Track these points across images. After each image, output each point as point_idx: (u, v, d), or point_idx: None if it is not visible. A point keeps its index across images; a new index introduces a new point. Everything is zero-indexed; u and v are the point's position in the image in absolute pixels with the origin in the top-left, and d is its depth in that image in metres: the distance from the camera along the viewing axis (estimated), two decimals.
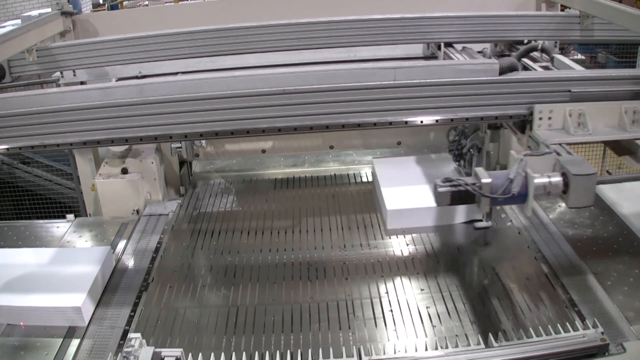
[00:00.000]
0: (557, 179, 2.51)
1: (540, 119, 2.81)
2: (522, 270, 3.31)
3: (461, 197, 2.55)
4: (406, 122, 2.88)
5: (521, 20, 3.97)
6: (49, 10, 4.46)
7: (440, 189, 2.54)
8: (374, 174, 4.52)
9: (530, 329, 2.80)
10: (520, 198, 2.52)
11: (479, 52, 3.92)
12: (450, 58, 3.60)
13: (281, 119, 2.74)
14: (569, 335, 2.66)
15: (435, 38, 3.96)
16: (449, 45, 3.86)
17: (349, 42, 3.99)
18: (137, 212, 4.32)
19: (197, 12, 4.72)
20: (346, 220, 4.04)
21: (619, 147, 2.95)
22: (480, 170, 2.60)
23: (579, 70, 3.25)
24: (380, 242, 3.77)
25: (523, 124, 2.96)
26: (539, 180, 2.50)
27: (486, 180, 2.51)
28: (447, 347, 2.71)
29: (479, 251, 3.58)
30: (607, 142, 3.09)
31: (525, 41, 3.93)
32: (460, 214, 3.87)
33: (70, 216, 4.27)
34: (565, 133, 2.79)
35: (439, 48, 3.92)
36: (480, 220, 3.90)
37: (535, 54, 3.83)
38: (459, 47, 3.81)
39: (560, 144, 2.69)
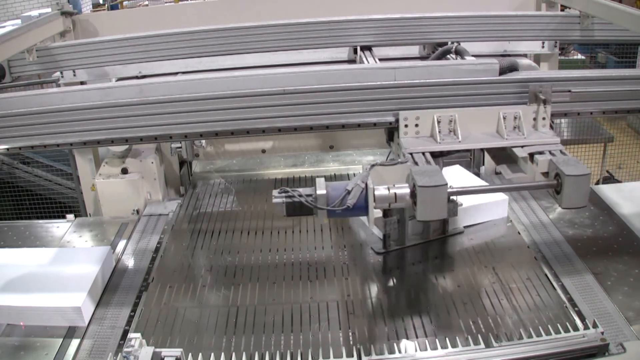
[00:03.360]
0: (402, 190, 2.44)
1: (406, 126, 2.72)
2: (522, 270, 3.31)
3: (295, 208, 2.51)
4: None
5: (521, 20, 3.98)
6: (49, 10, 4.46)
7: (275, 200, 2.51)
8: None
9: (530, 329, 2.80)
10: (360, 210, 2.46)
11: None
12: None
13: (281, 119, 2.74)
14: (569, 335, 2.66)
15: (435, 38, 3.97)
16: (441, 45, 3.85)
17: (348, 42, 4.00)
18: (137, 212, 4.31)
19: (197, 12, 4.72)
20: (346, 220, 4.03)
21: (499, 155, 2.79)
22: (319, 180, 2.55)
23: (578, 70, 3.25)
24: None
25: (391, 131, 2.85)
26: (381, 192, 2.45)
27: (322, 191, 2.47)
28: (447, 347, 2.72)
29: (479, 251, 3.57)
30: (488, 149, 2.95)
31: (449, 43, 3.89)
32: None
33: (70, 216, 4.27)
34: (432, 141, 2.69)
35: (434, 50, 3.92)
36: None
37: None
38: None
39: (422, 153, 2.59)
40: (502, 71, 2.81)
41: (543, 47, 4.35)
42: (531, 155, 2.61)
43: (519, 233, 3.70)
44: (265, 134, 2.91)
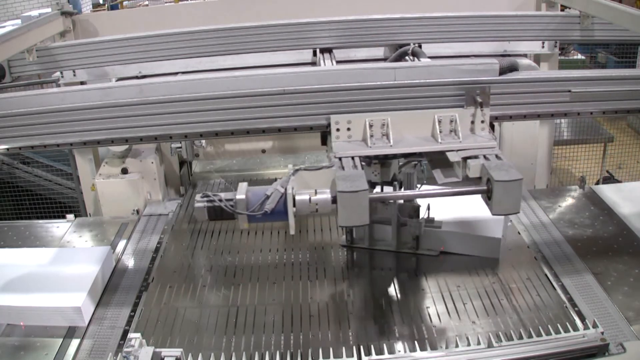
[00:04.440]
0: (324, 196, 2.42)
1: (338, 130, 2.66)
2: (522, 270, 3.31)
3: (216, 213, 2.50)
4: None
5: (521, 20, 3.98)
6: (49, 10, 4.46)
7: (197, 204, 2.50)
8: None
9: (530, 329, 2.81)
10: (279, 215, 2.44)
11: None
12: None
13: (281, 119, 2.74)
14: (569, 335, 2.66)
15: (436, 38, 3.97)
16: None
17: (349, 42, 3.99)
18: (137, 212, 4.32)
19: (197, 12, 4.72)
20: None
21: (437, 160, 2.70)
22: (241, 185, 2.53)
23: (578, 70, 3.25)
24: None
25: (324, 135, 2.80)
26: (301, 196, 2.43)
27: (241, 196, 2.45)
28: (447, 347, 2.72)
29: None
30: (425, 154, 2.84)
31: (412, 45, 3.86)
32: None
33: (70, 216, 4.27)
34: (363, 145, 2.64)
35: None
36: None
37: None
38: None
39: (352, 157, 2.54)
40: (502, 71, 2.80)
41: (543, 47, 4.35)
42: (466, 159, 2.53)
43: (519, 233, 3.70)
44: (265, 134, 2.90)
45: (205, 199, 2.51)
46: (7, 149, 2.86)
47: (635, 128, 9.42)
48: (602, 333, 2.64)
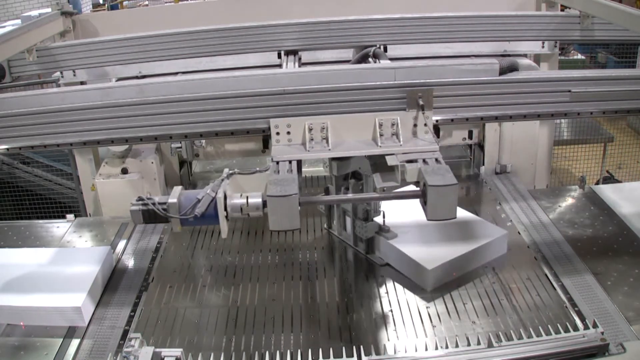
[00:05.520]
0: (255, 200, 2.43)
1: (278, 133, 2.66)
2: (522, 270, 3.31)
3: (150, 216, 2.51)
4: None
5: (521, 20, 3.98)
6: (49, 10, 4.46)
7: (132, 208, 2.52)
8: None
9: (530, 329, 2.81)
10: (210, 219, 2.45)
11: None
12: None
13: (281, 119, 2.74)
14: (569, 335, 2.66)
15: (438, 38, 3.96)
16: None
17: (349, 42, 3.99)
18: None
19: (197, 12, 4.72)
20: None
21: (379, 164, 2.67)
22: (175, 188, 2.55)
23: (578, 70, 3.25)
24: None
25: (266, 138, 2.78)
26: (232, 200, 2.44)
27: (173, 200, 2.46)
28: (447, 347, 2.72)
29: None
30: (369, 158, 2.85)
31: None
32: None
33: (70, 216, 4.27)
34: (302, 149, 2.63)
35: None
36: None
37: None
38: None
39: (289, 161, 2.54)
40: (502, 71, 2.80)
41: (543, 47, 4.35)
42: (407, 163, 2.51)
43: (519, 233, 3.70)
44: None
45: (140, 202, 2.54)
46: (7, 149, 2.87)
47: (635, 128, 9.42)
48: (602, 333, 2.63)
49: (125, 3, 11.99)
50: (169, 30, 3.87)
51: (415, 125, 2.65)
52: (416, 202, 2.47)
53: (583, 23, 3.91)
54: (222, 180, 2.53)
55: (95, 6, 13.07)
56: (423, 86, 2.66)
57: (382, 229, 3.45)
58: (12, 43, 3.65)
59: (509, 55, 4.23)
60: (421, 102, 2.61)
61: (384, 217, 3.44)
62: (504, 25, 3.94)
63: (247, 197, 2.45)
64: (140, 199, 2.54)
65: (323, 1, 4.52)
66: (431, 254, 3.28)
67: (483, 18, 3.91)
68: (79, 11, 6.23)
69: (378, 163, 2.68)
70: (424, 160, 2.47)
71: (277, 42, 3.90)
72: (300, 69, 3.66)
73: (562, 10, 4.29)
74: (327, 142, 2.61)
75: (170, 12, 5.01)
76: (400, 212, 3.53)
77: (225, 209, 2.46)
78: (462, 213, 3.61)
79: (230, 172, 2.59)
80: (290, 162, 2.56)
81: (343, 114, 2.66)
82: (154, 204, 2.49)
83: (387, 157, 2.57)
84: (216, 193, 2.45)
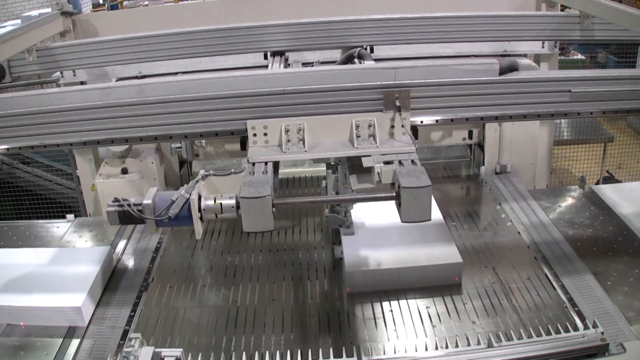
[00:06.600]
0: (228, 201, 2.44)
1: (255, 135, 2.65)
2: (522, 270, 3.32)
3: (126, 217, 2.53)
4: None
5: (521, 21, 3.97)
6: (49, 10, 4.46)
7: (108, 209, 2.55)
8: None
9: (530, 329, 2.81)
10: (184, 220, 2.46)
11: None
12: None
13: (281, 119, 2.74)
14: (568, 335, 2.66)
15: (438, 38, 3.96)
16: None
17: (349, 42, 3.99)
18: None
19: (197, 12, 4.72)
20: None
21: (356, 165, 2.66)
22: (151, 190, 2.55)
23: (578, 70, 3.25)
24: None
25: (244, 140, 2.77)
26: (205, 202, 2.45)
27: (147, 201, 2.48)
28: (447, 347, 2.72)
29: (479, 251, 3.57)
30: (347, 159, 2.84)
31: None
32: None
33: (70, 216, 4.27)
34: (278, 150, 2.63)
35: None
36: None
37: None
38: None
39: (265, 163, 2.54)
40: (502, 71, 2.80)
41: (543, 47, 4.35)
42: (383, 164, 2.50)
43: (519, 233, 3.70)
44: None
45: (116, 203, 2.55)
46: (7, 149, 2.87)
47: (635, 128, 9.41)
48: (602, 333, 2.64)
49: (125, 3, 11.98)
50: (169, 30, 3.86)
51: (392, 127, 2.64)
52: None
53: (583, 23, 3.91)
54: (197, 181, 2.54)
55: (95, 6, 13.07)
56: (399, 87, 2.64)
57: (344, 224, 3.46)
58: (12, 43, 3.65)
59: (509, 55, 4.23)
60: (398, 104, 2.60)
61: (350, 214, 3.43)
62: (504, 25, 3.94)
63: (221, 199, 2.46)
64: (116, 200, 2.56)
65: (323, 1, 4.52)
66: (363, 259, 3.27)
67: (483, 18, 3.91)
68: (79, 11, 6.23)
69: (355, 164, 2.68)
70: (400, 162, 2.46)
71: (266, 42, 3.87)
72: (277, 70, 3.63)
73: (562, 10, 4.29)
74: (304, 143, 2.60)
75: (170, 12, 5.00)
76: (382, 211, 3.54)
77: (200, 210, 2.47)
78: (441, 232, 3.52)
79: (206, 173, 2.60)
80: (265, 163, 2.55)
81: (320, 115, 2.65)
82: (129, 205, 2.51)
83: (363, 159, 2.57)
84: (190, 194, 2.45)
